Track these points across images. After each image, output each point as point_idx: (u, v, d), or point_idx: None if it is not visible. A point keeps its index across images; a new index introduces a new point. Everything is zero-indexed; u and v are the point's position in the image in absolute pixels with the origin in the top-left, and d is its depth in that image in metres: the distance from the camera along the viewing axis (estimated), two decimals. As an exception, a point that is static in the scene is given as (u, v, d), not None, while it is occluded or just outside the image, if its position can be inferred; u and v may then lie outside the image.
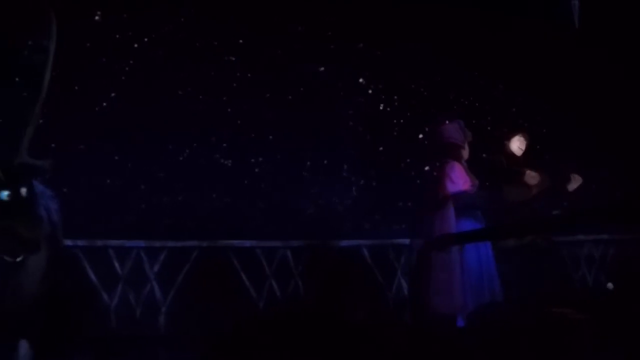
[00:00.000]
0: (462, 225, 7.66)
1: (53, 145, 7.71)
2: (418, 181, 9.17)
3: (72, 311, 6.89)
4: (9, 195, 5.25)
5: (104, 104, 8.43)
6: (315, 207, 9.15)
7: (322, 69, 9.27)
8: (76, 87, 8.25)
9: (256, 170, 9.02)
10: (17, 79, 7.76)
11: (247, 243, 8.69)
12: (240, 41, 8.98)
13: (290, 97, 9.11)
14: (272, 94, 9.03)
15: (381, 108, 9.73)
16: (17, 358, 5.41)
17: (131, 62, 8.55)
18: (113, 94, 8.46)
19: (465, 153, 7.85)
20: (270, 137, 9.03)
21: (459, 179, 7.57)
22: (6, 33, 7.43)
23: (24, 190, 5.39)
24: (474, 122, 8.98)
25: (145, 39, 8.62)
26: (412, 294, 8.38)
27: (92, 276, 8.17)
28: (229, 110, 8.86)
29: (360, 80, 9.55)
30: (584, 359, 5.31)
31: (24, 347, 5.44)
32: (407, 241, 9.62)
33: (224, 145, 8.88)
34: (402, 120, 9.74)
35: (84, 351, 6.70)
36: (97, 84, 8.36)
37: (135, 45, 8.59)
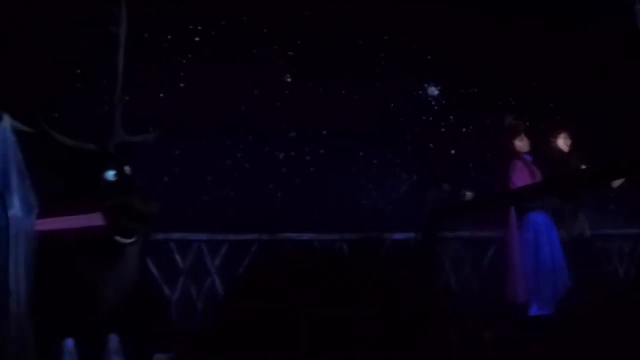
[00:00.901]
0: (533, 218, 7.64)
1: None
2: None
3: (157, 304, 6.70)
4: (115, 175, 5.10)
5: (163, 96, 8.25)
6: (369, 200, 8.99)
7: (377, 68, 9.13)
8: (135, 80, 8.07)
9: (312, 165, 8.85)
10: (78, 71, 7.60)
11: (305, 236, 8.51)
12: (298, 40, 8.83)
13: (343, 92, 8.94)
14: (327, 91, 8.87)
15: (434, 105, 9.59)
16: (109, 352, 5.21)
17: (190, 55, 8.38)
18: (172, 87, 8.27)
19: (523, 145, 7.76)
20: (324, 132, 8.87)
21: (518, 179, 7.53)
22: (78, 22, 7.26)
23: (127, 168, 5.24)
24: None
25: (204, 33, 8.45)
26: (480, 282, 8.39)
27: (153, 269, 7.96)
28: (286, 105, 8.68)
29: (411, 77, 9.40)
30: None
31: (114, 341, 5.23)
32: (455, 234, 9.58)
33: (283, 139, 8.70)
34: (451, 117, 9.60)
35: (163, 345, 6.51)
36: (158, 77, 8.17)
37: (197, 39, 8.41)
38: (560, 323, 6.18)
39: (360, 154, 9.00)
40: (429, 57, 9.46)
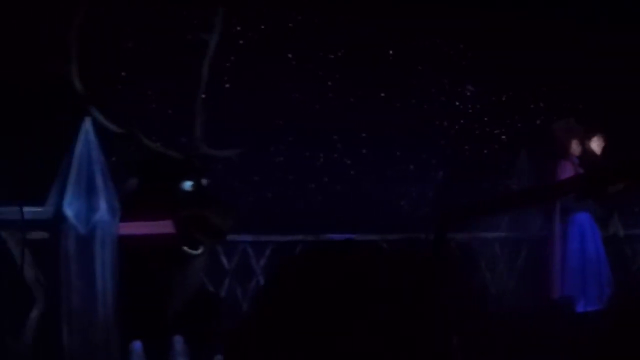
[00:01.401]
0: (578, 218, 7.64)
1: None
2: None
3: (217, 306, 6.59)
4: (192, 186, 5.00)
5: (205, 96, 8.13)
6: (410, 201, 8.91)
7: (415, 72, 9.03)
8: (173, 82, 7.97)
9: (352, 166, 8.76)
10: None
11: (349, 237, 8.40)
12: (339, 44, 8.73)
13: (382, 94, 8.85)
14: (366, 94, 8.77)
15: (470, 108, 9.51)
16: (174, 354, 5.11)
17: (232, 58, 8.26)
18: (216, 88, 8.17)
19: (577, 148, 7.75)
20: (363, 134, 8.78)
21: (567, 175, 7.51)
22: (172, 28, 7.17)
23: (204, 181, 5.14)
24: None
25: (246, 35, 8.34)
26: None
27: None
28: (326, 107, 8.59)
29: (446, 81, 9.33)
30: None
31: (179, 342, 5.13)
32: (492, 235, 9.51)
33: (324, 141, 8.61)
34: (486, 118, 9.52)
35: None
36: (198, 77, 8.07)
37: (241, 42, 8.29)
38: (607, 319, 6.15)
39: (398, 153, 8.91)
40: (463, 62, 9.37)
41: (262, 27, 8.44)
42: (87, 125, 4.53)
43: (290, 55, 8.50)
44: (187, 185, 5.01)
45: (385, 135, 8.67)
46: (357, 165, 8.72)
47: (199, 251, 5.08)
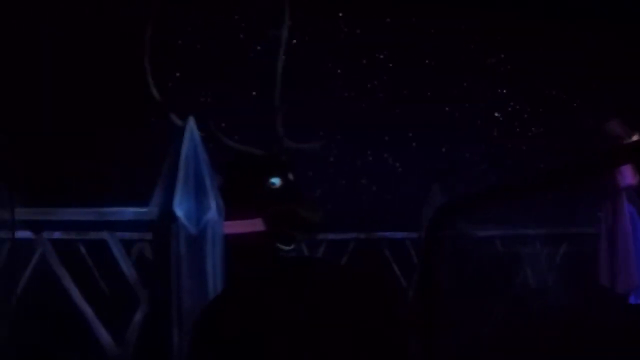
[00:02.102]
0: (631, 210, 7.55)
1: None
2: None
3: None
4: (280, 182, 4.83)
5: (254, 93, 7.99)
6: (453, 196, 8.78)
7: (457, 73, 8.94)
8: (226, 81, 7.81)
9: (400, 166, 8.65)
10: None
11: (399, 235, 8.29)
12: (387, 46, 8.63)
13: (429, 93, 8.74)
14: (413, 94, 8.67)
15: (508, 108, 9.43)
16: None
17: (283, 57, 8.08)
18: (258, 90, 8.02)
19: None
20: (410, 134, 8.68)
21: (628, 174, 7.43)
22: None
23: (291, 175, 4.97)
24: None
25: (299, 36, 8.19)
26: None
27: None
28: (375, 107, 8.47)
29: (488, 83, 9.25)
30: None
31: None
32: (532, 231, 9.41)
33: (373, 141, 8.49)
34: (525, 115, 9.44)
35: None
36: (247, 77, 7.92)
37: (294, 41, 8.12)
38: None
39: (443, 150, 8.81)
40: (507, 67, 9.29)
41: (309, 30, 8.31)
42: (191, 124, 4.35)
43: (342, 55, 8.37)
44: (275, 181, 4.83)
45: (430, 134, 8.56)
46: (404, 164, 8.62)
47: (291, 247, 4.91)
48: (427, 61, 8.65)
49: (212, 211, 4.24)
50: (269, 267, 4.07)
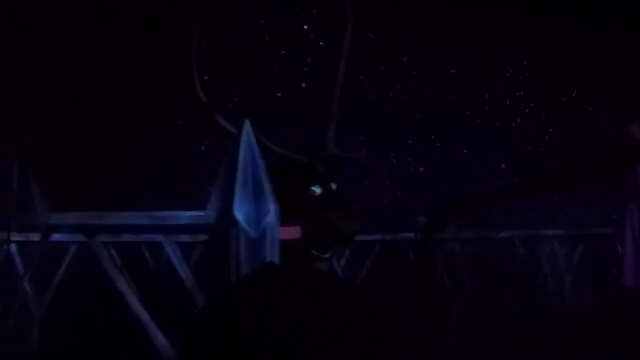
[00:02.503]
0: None
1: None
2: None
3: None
4: (320, 190, 4.80)
5: (293, 91, 7.99)
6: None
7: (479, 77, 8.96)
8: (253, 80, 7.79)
9: (424, 166, 8.66)
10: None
11: (423, 236, 8.26)
12: (411, 51, 8.63)
13: (450, 97, 8.74)
14: (435, 97, 8.68)
15: (525, 110, 9.44)
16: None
17: (309, 60, 8.10)
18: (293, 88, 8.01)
19: None
20: (433, 137, 8.68)
21: None
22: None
23: (334, 185, 4.94)
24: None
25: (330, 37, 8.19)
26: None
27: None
28: (400, 109, 8.48)
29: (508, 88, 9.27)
30: None
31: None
32: (551, 232, 9.43)
33: (398, 142, 8.50)
34: (544, 116, 9.46)
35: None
36: (279, 76, 7.91)
37: (321, 44, 8.13)
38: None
39: (465, 151, 8.82)
40: (527, 71, 9.31)
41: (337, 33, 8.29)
42: (247, 127, 4.33)
43: (363, 57, 8.36)
44: (315, 189, 4.79)
45: (453, 137, 8.57)
46: (428, 165, 8.62)
47: (327, 255, 4.89)
48: (448, 64, 8.66)
49: (271, 215, 4.22)
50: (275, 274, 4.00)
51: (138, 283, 4.60)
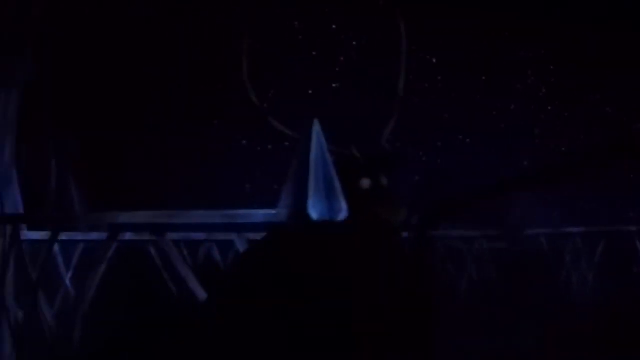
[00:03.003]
0: None
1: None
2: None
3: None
4: (370, 184, 4.85)
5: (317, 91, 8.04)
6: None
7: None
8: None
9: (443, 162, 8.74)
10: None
11: (454, 233, 8.38)
12: (438, 48, 8.68)
13: (479, 97, 8.80)
14: (461, 97, 8.75)
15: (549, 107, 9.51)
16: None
17: (342, 58, 8.15)
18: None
19: None
20: (460, 136, 8.75)
21: None
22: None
23: (384, 180, 4.98)
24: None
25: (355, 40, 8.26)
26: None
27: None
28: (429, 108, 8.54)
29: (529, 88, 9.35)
30: None
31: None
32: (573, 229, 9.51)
33: (426, 141, 8.56)
34: (566, 114, 9.54)
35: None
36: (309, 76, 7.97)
37: (354, 43, 8.17)
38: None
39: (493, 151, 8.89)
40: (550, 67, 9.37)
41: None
42: (317, 127, 4.36)
43: (391, 59, 8.39)
44: (365, 183, 4.83)
45: (481, 136, 8.64)
46: (455, 165, 8.68)
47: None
48: (476, 66, 8.72)
49: (344, 213, 4.25)
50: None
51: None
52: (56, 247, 6.79)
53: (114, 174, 7.00)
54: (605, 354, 6.77)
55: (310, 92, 7.95)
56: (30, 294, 5.93)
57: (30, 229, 5.92)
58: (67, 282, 6.89)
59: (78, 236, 6.42)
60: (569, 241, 9.21)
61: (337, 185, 4.35)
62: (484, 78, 8.80)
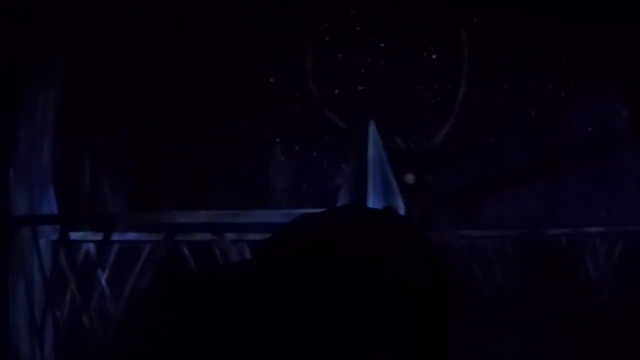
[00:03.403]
0: None
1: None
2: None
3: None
4: (414, 180, 4.94)
5: (337, 91, 8.06)
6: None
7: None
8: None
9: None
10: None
11: (477, 233, 8.40)
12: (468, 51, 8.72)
13: (500, 98, 8.83)
14: (483, 98, 8.77)
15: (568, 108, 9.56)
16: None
17: (369, 59, 8.16)
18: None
19: None
20: (491, 139, 8.81)
21: None
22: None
23: (429, 178, 5.07)
24: None
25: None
26: None
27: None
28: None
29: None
30: None
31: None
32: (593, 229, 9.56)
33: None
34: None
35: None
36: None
37: (382, 45, 8.19)
38: None
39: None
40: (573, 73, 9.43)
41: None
42: (373, 127, 4.43)
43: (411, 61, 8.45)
44: (410, 178, 4.91)
45: (504, 135, 8.69)
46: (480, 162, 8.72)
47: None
48: (498, 66, 8.75)
49: (402, 210, 4.32)
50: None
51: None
52: (92, 247, 6.80)
53: (152, 174, 7.02)
54: (627, 353, 6.84)
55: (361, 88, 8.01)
56: (67, 294, 5.95)
57: (67, 230, 5.92)
58: (103, 282, 6.89)
59: (115, 236, 6.42)
60: (588, 241, 9.25)
61: (394, 183, 4.44)
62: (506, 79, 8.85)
